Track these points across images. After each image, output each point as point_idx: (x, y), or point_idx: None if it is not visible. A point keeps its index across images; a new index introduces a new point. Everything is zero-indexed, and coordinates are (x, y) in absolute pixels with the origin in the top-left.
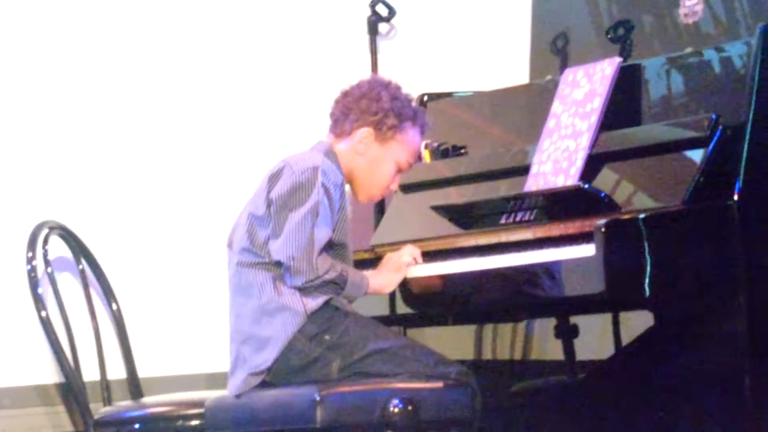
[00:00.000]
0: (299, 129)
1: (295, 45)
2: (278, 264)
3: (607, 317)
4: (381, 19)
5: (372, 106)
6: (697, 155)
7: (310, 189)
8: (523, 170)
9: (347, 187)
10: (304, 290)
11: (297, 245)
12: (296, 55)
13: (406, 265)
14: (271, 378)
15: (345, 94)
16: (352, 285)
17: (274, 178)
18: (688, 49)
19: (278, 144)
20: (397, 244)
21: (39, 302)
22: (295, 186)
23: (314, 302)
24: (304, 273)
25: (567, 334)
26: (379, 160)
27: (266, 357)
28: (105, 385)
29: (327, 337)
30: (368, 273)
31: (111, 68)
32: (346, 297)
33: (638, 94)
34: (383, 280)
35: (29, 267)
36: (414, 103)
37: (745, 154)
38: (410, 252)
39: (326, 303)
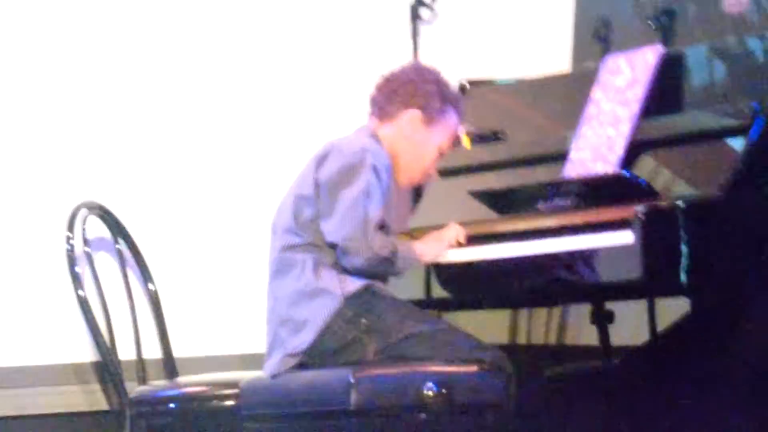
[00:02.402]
0: (342, 114)
1: (337, 31)
2: (323, 247)
3: (643, 304)
4: (423, 4)
5: (419, 89)
6: (737, 144)
7: (361, 169)
8: (562, 156)
9: None
10: (358, 270)
11: (352, 225)
12: (339, 40)
13: (451, 238)
14: (307, 359)
15: (388, 79)
16: (403, 258)
17: (321, 159)
18: (731, 38)
19: (320, 128)
20: (435, 227)
21: (77, 281)
22: (345, 167)
23: (352, 285)
24: (362, 252)
25: (603, 319)
26: (424, 143)
27: (303, 339)
28: (141, 364)
29: (364, 320)
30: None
31: (152, 51)
32: (397, 272)
33: (680, 82)
34: (426, 247)
35: (68, 246)
36: (453, 88)
37: None
38: (456, 229)
39: (364, 287)
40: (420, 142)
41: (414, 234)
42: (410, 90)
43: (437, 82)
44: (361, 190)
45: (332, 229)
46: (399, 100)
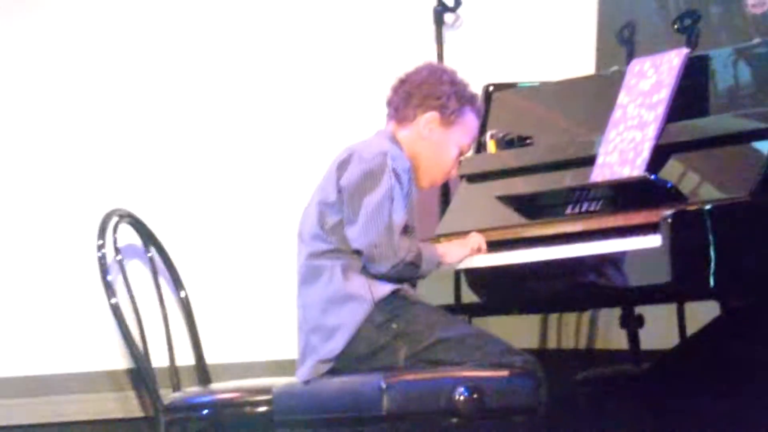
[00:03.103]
0: (364, 118)
1: (360, 35)
2: (350, 252)
3: (673, 307)
4: (447, 9)
5: (435, 91)
6: (764, 147)
7: (382, 174)
8: (589, 161)
9: None
10: (384, 276)
11: (377, 231)
12: (362, 45)
13: (474, 245)
14: (339, 365)
15: (403, 81)
16: (427, 261)
17: (343, 164)
18: (756, 40)
19: (342, 133)
20: (462, 234)
21: (109, 289)
22: (366, 172)
23: (381, 290)
24: (388, 258)
25: (632, 323)
26: (444, 144)
27: (334, 345)
28: (174, 371)
29: (394, 325)
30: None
31: (183, 63)
32: (422, 275)
33: (705, 85)
34: (449, 251)
35: (99, 254)
36: (469, 87)
37: None
38: (479, 237)
39: (393, 292)
40: (439, 143)
41: (441, 240)
42: (426, 91)
43: (453, 83)
44: (383, 195)
45: (357, 236)
46: (415, 103)
